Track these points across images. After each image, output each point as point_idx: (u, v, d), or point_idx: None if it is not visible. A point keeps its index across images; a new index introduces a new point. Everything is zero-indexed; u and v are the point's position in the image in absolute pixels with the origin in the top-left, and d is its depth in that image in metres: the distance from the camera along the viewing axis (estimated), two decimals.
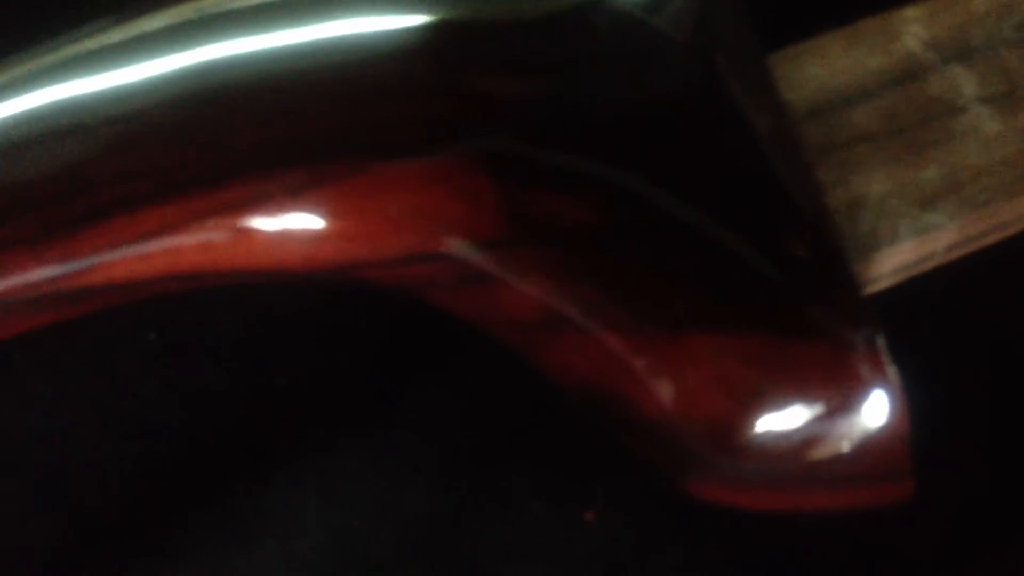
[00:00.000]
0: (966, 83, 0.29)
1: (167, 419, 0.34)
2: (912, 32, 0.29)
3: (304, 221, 0.27)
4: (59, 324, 0.29)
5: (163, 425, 0.34)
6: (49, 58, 0.29)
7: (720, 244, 0.27)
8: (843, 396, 0.26)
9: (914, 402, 0.28)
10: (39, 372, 0.34)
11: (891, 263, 0.29)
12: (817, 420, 0.27)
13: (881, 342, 0.26)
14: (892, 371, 0.26)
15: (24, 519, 0.33)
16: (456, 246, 0.27)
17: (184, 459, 0.34)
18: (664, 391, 0.27)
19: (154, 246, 0.27)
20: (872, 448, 0.27)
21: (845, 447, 0.27)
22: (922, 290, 0.31)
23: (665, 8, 0.28)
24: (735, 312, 0.26)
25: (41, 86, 0.28)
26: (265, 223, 0.27)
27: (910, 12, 0.30)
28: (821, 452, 0.27)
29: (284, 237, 0.27)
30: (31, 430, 0.34)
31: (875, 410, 0.26)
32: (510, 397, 0.34)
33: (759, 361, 0.26)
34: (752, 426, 0.27)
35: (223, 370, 0.34)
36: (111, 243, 0.27)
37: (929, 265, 0.30)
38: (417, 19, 0.28)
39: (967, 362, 0.32)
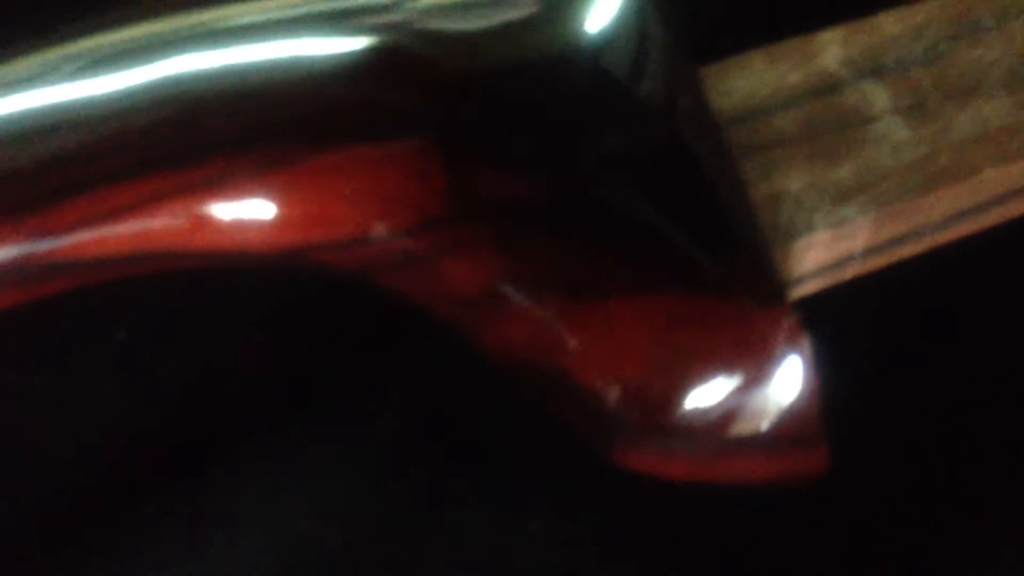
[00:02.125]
0: (878, 97, 0.32)
1: (125, 417, 0.35)
2: (829, 52, 0.32)
3: (260, 203, 0.29)
4: (25, 304, 0.31)
5: (121, 423, 0.35)
6: (30, 58, 0.31)
7: (645, 217, 0.29)
8: (758, 357, 0.28)
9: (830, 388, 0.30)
10: (8, 365, 0.35)
11: (811, 258, 0.31)
12: (733, 380, 0.29)
13: (792, 310, 0.28)
14: (805, 337, 0.28)
15: None
16: (405, 225, 0.29)
17: (138, 456, 0.35)
18: (592, 356, 0.29)
19: (121, 223, 0.29)
20: (786, 410, 0.28)
21: (760, 407, 0.28)
22: (847, 299, 0.33)
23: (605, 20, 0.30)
24: (658, 278, 0.28)
25: (21, 85, 0.30)
26: (224, 205, 0.29)
27: (827, 35, 0.32)
28: (737, 413, 0.29)
29: (242, 219, 0.29)
30: None
31: (789, 372, 0.28)
32: (460, 401, 0.36)
33: (678, 321, 0.28)
34: (671, 386, 0.28)
35: (183, 371, 0.36)
36: (82, 218, 0.28)
37: (849, 271, 0.32)
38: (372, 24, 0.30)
39: (887, 361, 0.34)
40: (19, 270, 0.29)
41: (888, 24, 0.32)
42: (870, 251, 0.31)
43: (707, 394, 0.29)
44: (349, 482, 0.35)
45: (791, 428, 0.29)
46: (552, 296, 0.29)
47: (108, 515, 0.34)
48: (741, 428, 0.29)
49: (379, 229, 0.29)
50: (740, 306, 0.29)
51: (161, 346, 0.36)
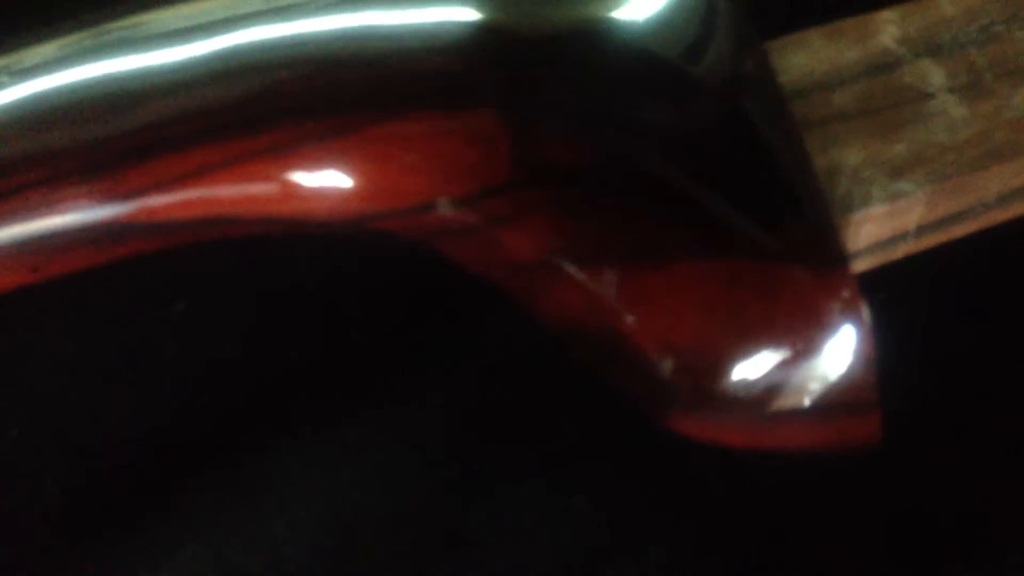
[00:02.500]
0: (935, 74, 0.32)
1: (184, 385, 0.36)
2: (887, 31, 0.33)
3: (330, 169, 0.30)
4: (98, 265, 0.31)
5: (180, 390, 0.36)
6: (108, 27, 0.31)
7: (704, 185, 0.29)
8: (815, 324, 0.29)
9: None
10: (69, 334, 0.36)
11: (866, 232, 0.31)
12: (789, 347, 0.29)
13: (852, 275, 0.29)
14: (863, 304, 0.29)
15: (41, 471, 0.35)
16: (468, 193, 0.29)
17: (196, 423, 0.36)
18: (649, 322, 0.29)
19: (193, 186, 0.29)
20: (841, 377, 0.29)
21: (815, 374, 0.29)
22: (901, 278, 0.33)
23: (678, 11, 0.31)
24: (717, 244, 0.29)
25: (99, 53, 0.31)
26: (294, 170, 0.30)
27: (886, 14, 0.33)
28: (792, 380, 0.29)
29: (311, 184, 0.30)
30: (56, 388, 0.36)
31: (845, 339, 0.29)
32: (510, 376, 0.36)
33: (736, 287, 0.29)
34: (728, 352, 0.29)
35: (241, 342, 0.37)
36: (155, 181, 0.29)
37: (903, 248, 0.32)
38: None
39: (938, 340, 0.34)
40: (94, 231, 0.29)
41: (944, 5, 0.33)
42: (924, 228, 0.32)
43: (762, 360, 0.29)
44: (400, 454, 0.35)
45: (846, 395, 0.29)
46: (610, 262, 0.29)
47: (166, 479, 0.35)
48: (795, 395, 0.29)
49: (443, 197, 0.30)
50: (799, 273, 0.29)
51: (219, 318, 0.37)
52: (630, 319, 0.29)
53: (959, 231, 0.33)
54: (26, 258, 0.29)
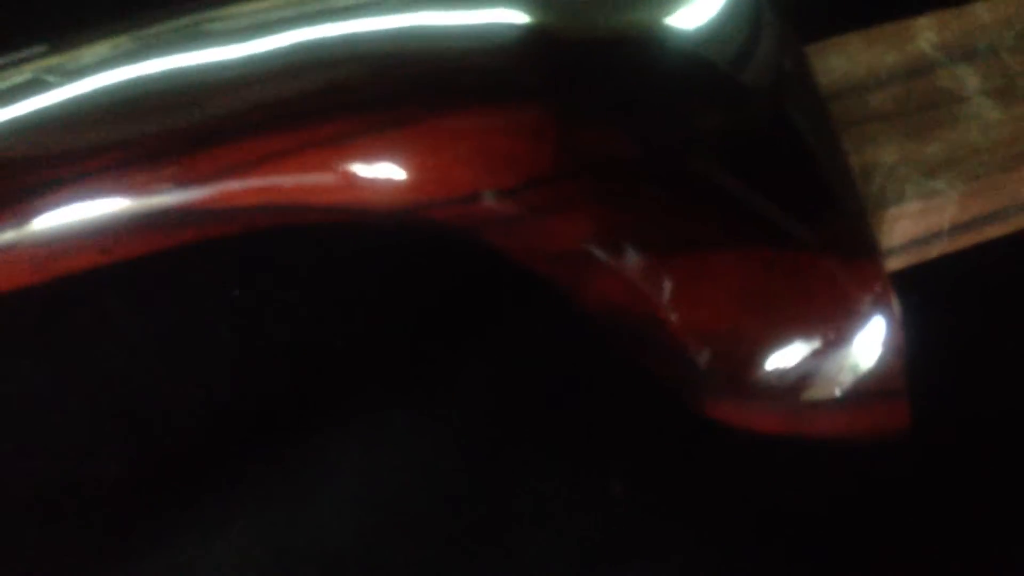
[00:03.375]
0: (970, 79, 0.33)
1: (235, 367, 0.37)
2: (924, 36, 0.34)
3: (385, 160, 0.31)
4: (162, 250, 0.33)
5: (230, 372, 0.37)
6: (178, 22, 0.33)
7: (743, 177, 0.30)
8: (847, 313, 0.30)
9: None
10: (129, 315, 0.37)
11: (900, 229, 0.32)
12: (822, 336, 0.30)
13: (884, 268, 0.30)
14: (893, 294, 0.30)
15: (97, 447, 0.36)
16: (514, 183, 0.31)
17: (245, 403, 0.37)
18: (689, 308, 0.30)
19: (256, 174, 0.31)
20: (873, 365, 0.30)
21: (850, 361, 0.30)
22: (933, 277, 0.34)
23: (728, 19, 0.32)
24: (754, 234, 0.30)
25: (170, 45, 0.32)
26: (352, 160, 0.31)
27: (923, 20, 0.34)
28: (824, 367, 0.30)
29: (367, 174, 0.31)
30: (114, 366, 0.37)
31: (877, 325, 0.30)
32: (548, 367, 0.37)
33: (771, 276, 0.30)
34: (766, 338, 0.30)
35: (290, 328, 0.38)
36: (219, 168, 0.30)
37: (936, 248, 0.33)
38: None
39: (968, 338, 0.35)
40: (160, 215, 0.31)
41: (981, 12, 0.34)
42: (957, 228, 0.33)
43: (796, 349, 0.30)
44: (442, 441, 0.37)
45: (876, 383, 0.30)
46: (649, 250, 0.30)
47: (219, 458, 0.36)
48: (828, 383, 0.30)
49: (490, 188, 0.31)
50: (833, 265, 0.30)
51: (272, 305, 0.38)
52: (669, 308, 0.30)
53: (993, 232, 0.34)
54: (97, 240, 0.31)
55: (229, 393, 0.37)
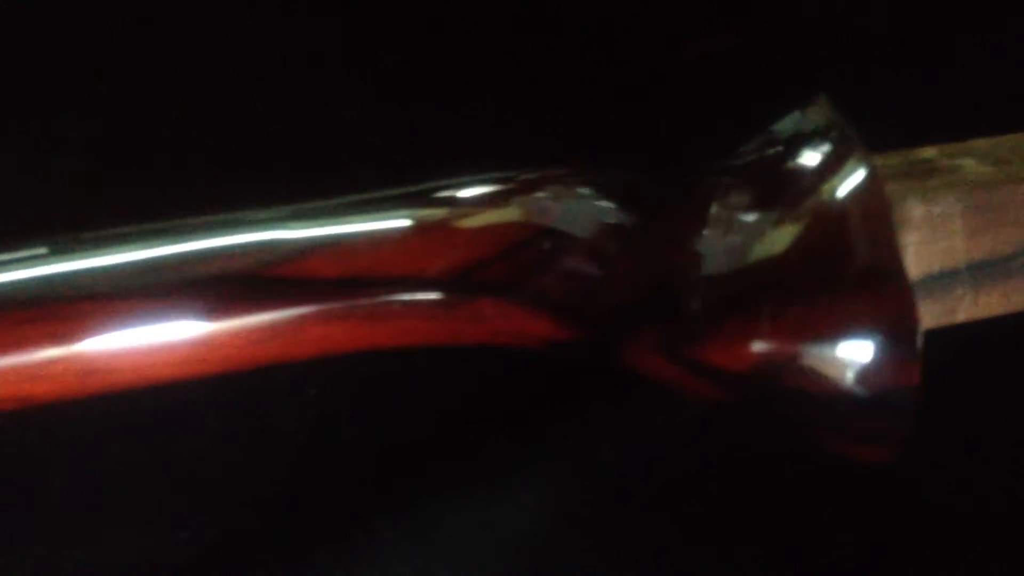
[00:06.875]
0: None
1: (308, 463, 0.40)
2: None
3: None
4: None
5: (303, 465, 0.40)
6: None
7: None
8: (876, 345, 0.32)
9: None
10: (208, 400, 0.40)
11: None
12: (854, 358, 0.32)
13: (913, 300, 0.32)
14: (919, 336, 0.32)
15: (167, 519, 0.38)
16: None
17: (312, 500, 0.39)
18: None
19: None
20: (888, 404, 0.32)
21: (869, 394, 0.32)
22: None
23: None
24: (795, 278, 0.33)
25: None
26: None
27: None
28: (852, 392, 0.32)
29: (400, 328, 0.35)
30: (189, 444, 0.40)
31: (899, 367, 0.32)
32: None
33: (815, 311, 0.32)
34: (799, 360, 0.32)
35: (360, 429, 0.41)
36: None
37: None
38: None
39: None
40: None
41: None
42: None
43: (834, 367, 0.32)
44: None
45: (887, 418, 0.33)
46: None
47: (293, 538, 0.38)
48: (849, 404, 0.33)
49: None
50: (871, 290, 0.32)
51: (352, 410, 0.41)
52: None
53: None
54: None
55: (294, 484, 0.39)
